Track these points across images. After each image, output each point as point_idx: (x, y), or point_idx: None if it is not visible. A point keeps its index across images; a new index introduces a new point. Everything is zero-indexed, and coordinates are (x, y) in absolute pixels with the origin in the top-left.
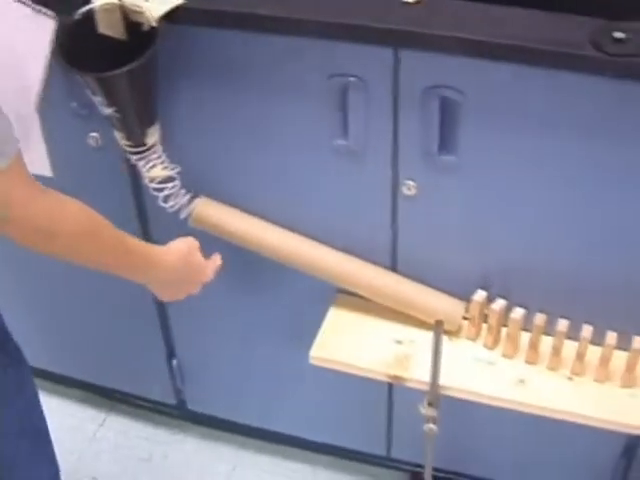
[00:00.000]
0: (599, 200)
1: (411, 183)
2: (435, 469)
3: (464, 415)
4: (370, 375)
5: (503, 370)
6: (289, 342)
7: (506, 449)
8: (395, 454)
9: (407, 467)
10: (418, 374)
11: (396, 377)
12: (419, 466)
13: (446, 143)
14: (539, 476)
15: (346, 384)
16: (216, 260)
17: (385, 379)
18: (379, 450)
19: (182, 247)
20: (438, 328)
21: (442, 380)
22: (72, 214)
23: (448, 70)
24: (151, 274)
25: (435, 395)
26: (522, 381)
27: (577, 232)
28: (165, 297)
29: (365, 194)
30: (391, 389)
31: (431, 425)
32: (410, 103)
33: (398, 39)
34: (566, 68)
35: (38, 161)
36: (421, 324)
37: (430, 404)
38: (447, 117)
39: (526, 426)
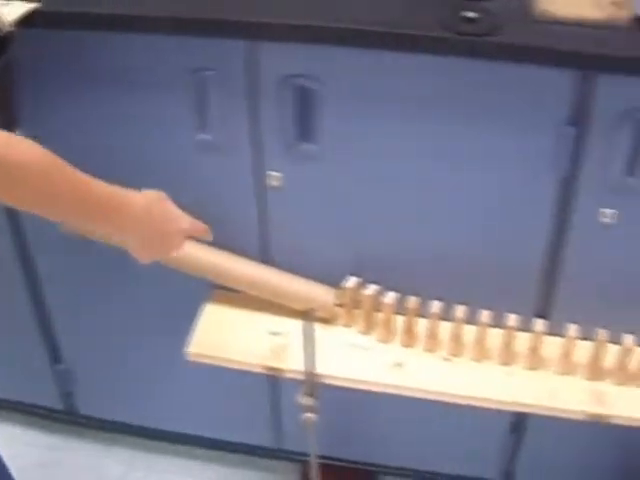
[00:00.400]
0: (462, 181)
1: (276, 174)
2: (326, 457)
3: (353, 402)
4: (247, 368)
5: (379, 355)
6: (170, 340)
7: (397, 433)
8: (286, 445)
9: (299, 457)
10: (294, 364)
11: (272, 369)
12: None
13: (306, 132)
14: (431, 458)
15: (229, 379)
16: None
17: (262, 371)
18: (270, 443)
19: (151, 192)
20: (307, 317)
21: (318, 368)
22: (26, 145)
23: (303, 59)
24: (122, 220)
25: (312, 384)
26: (399, 364)
27: (442, 214)
28: (146, 254)
29: (233, 187)
30: (275, 381)
31: (309, 414)
32: (268, 94)
33: (251, 31)
34: (420, 50)
35: None
36: (296, 314)
37: (307, 393)
38: (306, 106)
39: (415, 409)
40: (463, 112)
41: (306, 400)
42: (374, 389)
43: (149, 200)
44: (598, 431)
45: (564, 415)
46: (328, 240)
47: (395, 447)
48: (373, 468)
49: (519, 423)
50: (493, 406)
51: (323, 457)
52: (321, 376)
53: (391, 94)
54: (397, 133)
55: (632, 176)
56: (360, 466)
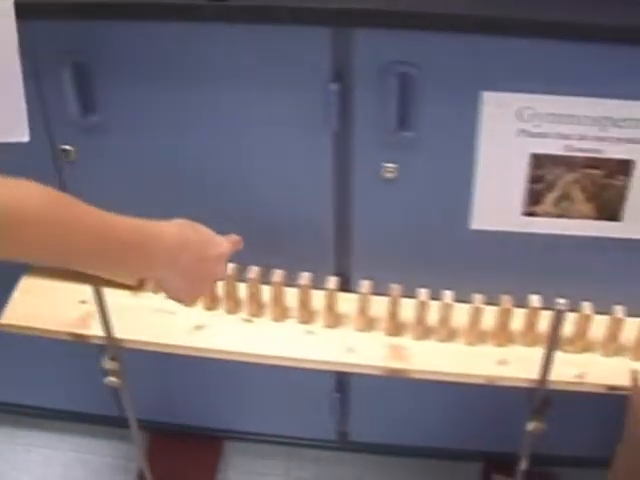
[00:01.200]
0: (246, 146)
1: (69, 148)
2: (169, 424)
3: (189, 368)
4: (56, 336)
5: (183, 318)
6: None
7: (236, 398)
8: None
9: (145, 425)
10: (98, 331)
11: (78, 335)
12: (161, 423)
13: (88, 105)
14: (272, 421)
15: (71, 351)
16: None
17: (69, 339)
18: (114, 412)
19: (180, 219)
20: (96, 283)
21: (124, 333)
22: (32, 191)
23: (73, 35)
24: (153, 255)
25: (113, 349)
26: (200, 327)
27: (232, 178)
28: (189, 292)
29: (30, 165)
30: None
31: (112, 378)
32: (48, 70)
33: (24, 11)
34: (188, 19)
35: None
36: (107, 283)
37: (110, 358)
38: (84, 79)
39: (247, 372)
40: (236, 78)
41: (110, 365)
42: (175, 352)
43: (182, 227)
44: (421, 386)
45: (365, 371)
46: (128, 210)
47: (236, 412)
48: (217, 434)
49: (342, 382)
50: (294, 364)
51: (165, 424)
52: (123, 340)
53: (158, 64)
54: (172, 102)
55: (406, 130)
56: (204, 432)
